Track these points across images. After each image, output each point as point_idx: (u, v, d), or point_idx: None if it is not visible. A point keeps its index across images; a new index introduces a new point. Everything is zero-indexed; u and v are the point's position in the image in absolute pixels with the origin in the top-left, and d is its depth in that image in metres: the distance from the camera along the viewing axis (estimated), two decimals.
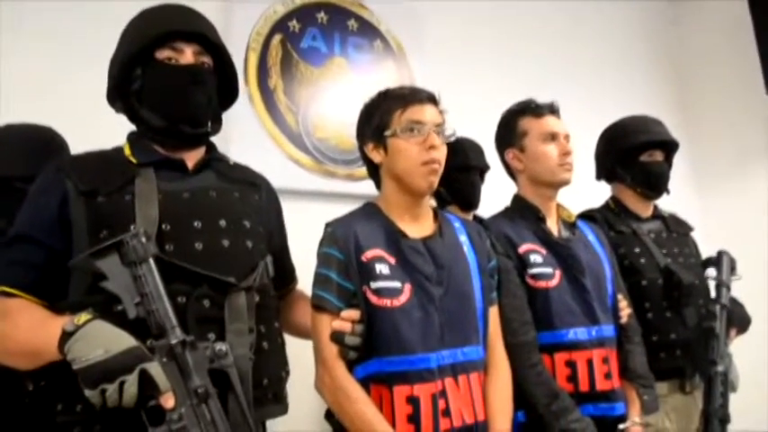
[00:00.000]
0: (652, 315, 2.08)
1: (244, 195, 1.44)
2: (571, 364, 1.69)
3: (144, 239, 1.16)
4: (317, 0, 2.86)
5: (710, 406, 1.95)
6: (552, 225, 1.87)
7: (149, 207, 1.27)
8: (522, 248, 1.78)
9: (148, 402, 1.09)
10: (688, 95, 4.06)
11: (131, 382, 1.04)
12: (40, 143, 1.75)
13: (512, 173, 1.97)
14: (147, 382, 1.06)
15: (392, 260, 1.48)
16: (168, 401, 1.08)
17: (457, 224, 1.65)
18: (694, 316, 2.07)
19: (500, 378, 1.55)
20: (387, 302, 1.42)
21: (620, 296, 1.86)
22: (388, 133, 1.53)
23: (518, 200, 1.92)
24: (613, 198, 2.34)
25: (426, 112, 1.53)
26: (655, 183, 2.26)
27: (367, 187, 1.73)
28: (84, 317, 1.11)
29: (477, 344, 1.51)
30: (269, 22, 2.70)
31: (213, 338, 1.21)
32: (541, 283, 1.74)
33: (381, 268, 1.45)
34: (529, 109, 1.89)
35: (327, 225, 1.54)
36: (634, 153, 2.25)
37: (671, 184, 2.30)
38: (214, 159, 1.48)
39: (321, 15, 2.84)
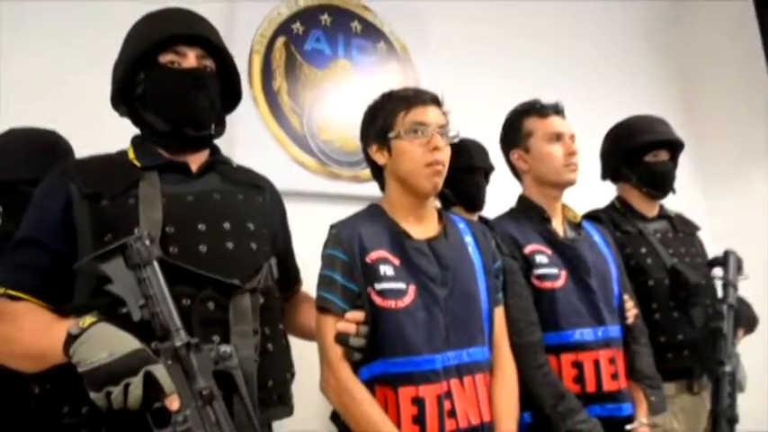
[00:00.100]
0: (659, 315, 2.08)
1: (248, 198, 1.44)
2: (578, 365, 1.68)
3: (148, 242, 1.16)
4: (321, 2, 2.86)
5: (718, 406, 1.94)
6: (558, 225, 1.86)
7: (153, 210, 1.27)
8: (528, 249, 1.77)
9: (153, 404, 1.09)
10: (692, 95, 4.04)
11: (136, 384, 1.05)
12: (44, 147, 1.76)
13: (517, 173, 1.96)
14: (151, 384, 1.06)
15: (396, 261, 1.47)
16: (173, 403, 1.08)
17: (461, 225, 1.65)
18: (701, 316, 2.06)
19: (506, 379, 1.54)
20: (391, 304, 1.42)
21: (626, 297, 1.86)
22: (391, 135, 1.53)
23: (523, 200, 1.92)
24: (619, 198, 2.34)
25: (430, 114, 1.53)
26: (660, 182, 2.25)
27: (372, 189, 1.73)
28: (88, 320, 1.11)
29: (483, 345, 1.50)
30: (272, 25, 2.71)
31: (218, 340, 1.21)
32: (547, 284, 1.73)
33: (386, 270, 1.45)
34: (534, 109, 1.88)
35: (332, 227, 1.54)
36: (639, 153, 2.25)
37: (676, 184, 2.29)
38: (218, 162, 1.48)
39: (325, 17, 2.85)
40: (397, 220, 1.55)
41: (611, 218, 2.22)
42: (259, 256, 1.37)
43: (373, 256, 1.46)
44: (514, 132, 1.91)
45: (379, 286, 1.43)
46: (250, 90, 2.59)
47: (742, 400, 1.98)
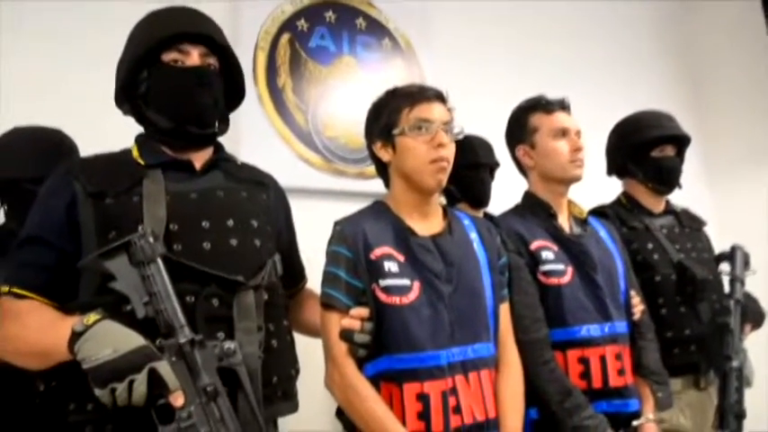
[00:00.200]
0: (666, 311, 2.07)
1: (251, 195, 1.45)
2: (584, 361, 1.68)
3: (151, 239, 1.17)
4: None
5: (726, 401, 1.93)
6: (564, 221, 1.86)
7: (157, 208, 1.27)
8: (534, 245, 1.77)
9: (158, 401, 1.09)
10: (699, 91, 4.02)
11: (140, 380, 1.05)
12: (49, 145, 1.77)
13: (522, 169, 1.95)
14: (156, 380, 1.07)
15: (401, 258, 1.47)
16: (177, 400, 1.08)
17: (467, 221, 1.65)
18: (708, 311, 2.05)
19: (511, 375, 1.54)
20: (396, 300, 1.42)
21: (632, 292, 1.85)
22: (396, 132, 1.53)
23: (529, 196, 1.91)
24: (625, 194, 2.33)
25: (434, 110, 1.53)
26: (666, 178, 2.24)
27: (377, 186, 1.73)
28: (93, 317, 1.11)
29: (488, 341, 1.50)
30: (277, 22, 2.71)
31: (222, 337, 1.21)
32: (553, 280, 1.73)
33: (390, 266, 1.45)
34: (539, 105, 1.87)
35: (336, 223, 1.54)
36: (645, 148, 2.24)
37: (683, 179, 2.28)
38: (222, 160, 1.48)
39: (329, 14, 2.84)
40: (401, 217, 1.55)
41: (618, 214, 2.21)
42: (263, 253, 1.37)
43: (378, 252, 1.46)
44: (520, 128, 1.90)
45: (383, 283, 1.43)
46: (255, 87, 2.59)
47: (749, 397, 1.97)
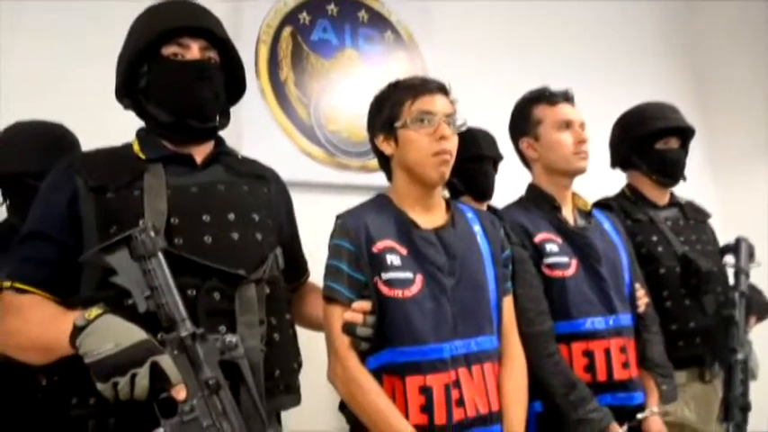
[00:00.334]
0: (670, 303, 2.06)
1: (252, 188, 1.44)
2: (588, 354, 1.68)
3: (152, 234, 1.17)
4: None
5: (731, 394, 1.94)
6: (568, 214, 1.85)
7: (158, 202, 1.27)
8: (538, 238, 1.77)
9: (160, 395, 1.09)
10: (703, 84, 4.02)
11: (143, 374, 1.05)
12: (51, 140, 1.77)
13: (526, 162, 1.95)
14: (158, 374, 1.07)
15: (404, 251, 1.47)
16: (180, 393, 1.08)
17: (470, 214, 1.64)
18: (713, 304, 2.05)
19: (515, 368, 1.54)
20: (398, 293, 1.42)
21: (637, 285, 1.85)
22: (398, 124, 1.52)
23: (533, 189, 1.91)
24: (629, 186, 2.32)
25: (437, 103, 1.52)
26: (671, 170, 2.23)
27: (380, 179, 1.72)
28: (94, 311, 1.11)
29: (491, 334, 1.50)
30: (279, 15, 2.70)
31: (224, 331, 1.21)
32: (558, 273, 1.73)
33: (392, 259, 1.45)
34: (543, 97, 1.87)
35: (338, 217, 1.54)
36: (649, 140, 2.23)
37: (687, 172, 2.27)
38: (223, 153, 1.48)
39: (331, 7, 2.83)
40: (404, 210, 1.54)
41: (622, 206, 2.20)
42: (264, 247, 1.37)
43: (380, 245, 1.46)
44: (523, 120, 1.89)
45: (385, 276, 1.43)
46: (257, 81, 2.58)
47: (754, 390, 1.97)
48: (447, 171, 1.52)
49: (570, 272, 1.73)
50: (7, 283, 1.24)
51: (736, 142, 3.85)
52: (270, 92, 2.61)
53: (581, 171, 1.83)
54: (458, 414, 1.38)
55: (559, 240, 1.77)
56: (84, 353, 1.08)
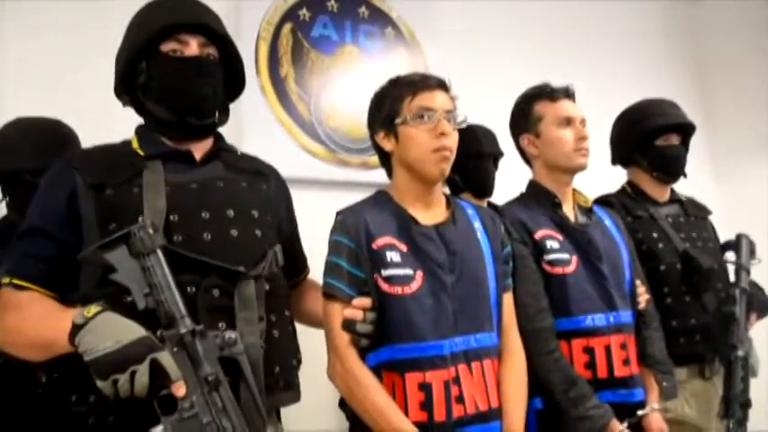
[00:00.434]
0: (671, 300, 2.06)
1: (252, 185, 1.44)
2: (589, 351, 1.68)
3: (151, 231, 1.17)
4: None
5: (731, 391, 1.93)
6: (568, 210, 1.85)
7: (157, 199, 1.27)
8: (539, 234, 1.76)
9: (160, 392, 1.09)
10: (705, 79, 4.01)
11: (142, 371, 1.05)
12: (50, 136, 1.77)
13: (527, 158, 1.95)
14: (158, 371, 1.07)
15: (404, 248, 1.47)
16: (179, 390, 1.09)
17: (470, 211, 1.64)
18: (714, 300, 2.05)
19: (515, 365, 1.54)
20: (398, 290, 1.41)
21: (638, 282, 1.84)
22: (398, 121, 1.52)
23: (533, 186, 1.90)
24: (630, 183, 2.31)
25: (437, 99, 1.51)
26: (671, 166, 2.23)
27: (380, 176, 1.72)
28: (93, 309, 1.11)
29: (491, 330, 1.50)
30: (279, 12, 2.69)
31: (223, 327, 1.21)
32: (558, 270, 1.72)
33: (392, 256, 1.44)
34: (544, 93, 1.86)
35: (338, 213, 1.54)
36: (650, 137, 2.23)
37: (688, 169, 2.27)
38: (222, 150, 1.48)
39: (331, 3, 2.82)
40: (404, 207, 1.54)
41: (623, 203, 2.20)
42: (264, 243, 1.36)
43: (380, 242, 1.46)
44: (524, 117, 1.89)
45: (385, 272, 1.43)
46: (257, 78, 2.58)
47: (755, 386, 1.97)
48: (447, 167, 1.52)
49: (571, 269, 1.73)
50: (6, 280, 1.24)
51: (736, 139, 3.85)
52: (270, 89, 2.61)
53: (582, 168, 1.82)
54: (457, 411, 1.37)
55: (560, 237, 1.77)
56: (83, 351, 1.08)
